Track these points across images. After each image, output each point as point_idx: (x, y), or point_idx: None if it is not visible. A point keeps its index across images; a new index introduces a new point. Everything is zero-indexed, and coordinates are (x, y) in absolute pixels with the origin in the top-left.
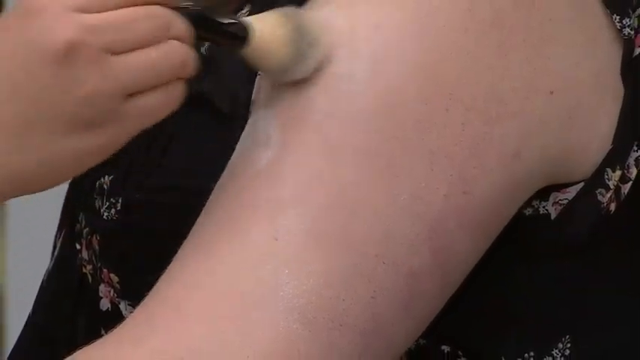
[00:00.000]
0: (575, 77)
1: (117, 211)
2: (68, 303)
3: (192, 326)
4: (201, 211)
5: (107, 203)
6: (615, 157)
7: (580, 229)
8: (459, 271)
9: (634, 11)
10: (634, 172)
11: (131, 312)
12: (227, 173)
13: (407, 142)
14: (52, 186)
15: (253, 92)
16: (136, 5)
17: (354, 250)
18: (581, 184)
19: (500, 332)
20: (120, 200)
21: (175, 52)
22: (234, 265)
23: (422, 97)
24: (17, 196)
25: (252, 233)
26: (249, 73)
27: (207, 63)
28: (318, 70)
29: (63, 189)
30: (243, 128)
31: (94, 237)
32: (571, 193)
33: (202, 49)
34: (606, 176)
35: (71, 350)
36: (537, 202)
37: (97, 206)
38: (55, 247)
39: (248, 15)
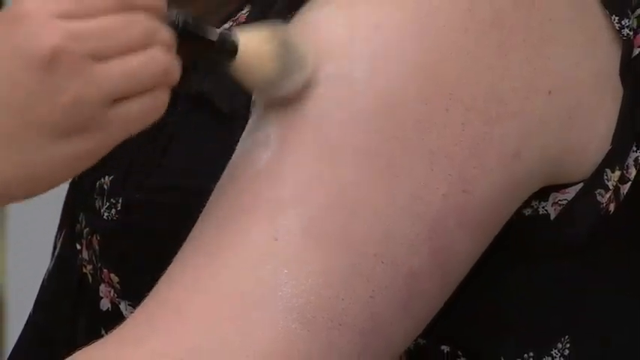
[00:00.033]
0: (575, 77)
1: (117, 211)
2: (68, 303)
3: (192, 327)
4: (201, 211)
5: (107, 203)
6: (614, 157)
7: (579, 229)
8: (459, 270)
9: (633, 12)
10: (633, 172)
11: (131, 312)
12: (227, 173)
13: (407, 142)
14: (39, 193)
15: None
16: (121, 13)
17: (353, 250)
18: (581, 185)
19: (500, 332)
20: (120, 200)
21: (158, 60)
22: (234, 265)
23: (422, 97)
24: (4, 204)
25: (252, 233)
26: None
27: (207, 64)
28: (306, 87)
29: (63, 189)
30: (243, 128)
31: (95, 237)
32: (570, 193)
33: None
34: (605, 177)
35: (71, 350)
36: (537, 203)
37: (98, 206)
38: (55, 247)
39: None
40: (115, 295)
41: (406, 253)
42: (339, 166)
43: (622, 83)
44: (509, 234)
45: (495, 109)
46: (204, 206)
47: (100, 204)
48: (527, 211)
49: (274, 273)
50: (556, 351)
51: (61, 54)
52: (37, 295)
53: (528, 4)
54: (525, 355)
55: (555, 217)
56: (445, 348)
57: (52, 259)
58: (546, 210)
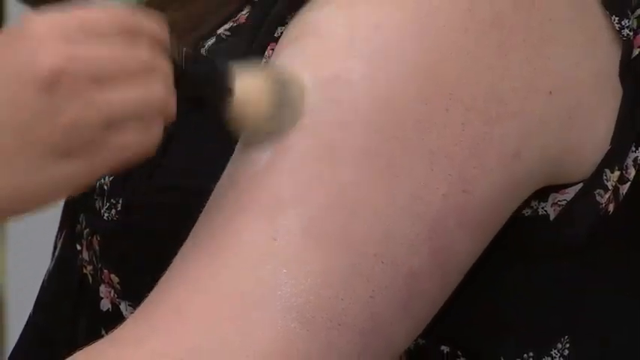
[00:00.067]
0: (575, 77)
1: (117, 212)
2: (69, 304)
3: (192, 327)
4: (201, 211)
5: (107, 204)
6: (614, 157)
7: (579, 229)
8: (459, 270)
9: (633, 12)
10: (632, 172)
11: (132, 312)
12: (227, 173)
13: (407, 142)
14: (32, 212)
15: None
16: (125, 41)
17: (353, 250)
18: (580, 185)
19: (499, 333)
20: (120, 201)
21: (157, 92)
22: (233, 265)
23: (422, 97)
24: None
25: (252, 233)
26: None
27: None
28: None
29: None
30: None
31: (95, 238)
32: (570, 193)
33: (203, 51)
34: (605, 177)
35: (71, 351)
36: (536, 203)
37: (98, 207)
38: (55, 248)
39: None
40: (116, 296)
41: (406, 253)
42: (339, 166)
43: (621, 84)
44: (508, 234)
45: (495, 109)
46: (204, 206)
47: (100, 204)
48: (527, 212)
49: (274, 273)
50: (555, 351)
51: (62, 75)
52: (37, 296)
53: (528, 5)
54: (525, 356)
55: (555, 218)
56: (445, 348)
57: (52, 260)
58: (546, 210)
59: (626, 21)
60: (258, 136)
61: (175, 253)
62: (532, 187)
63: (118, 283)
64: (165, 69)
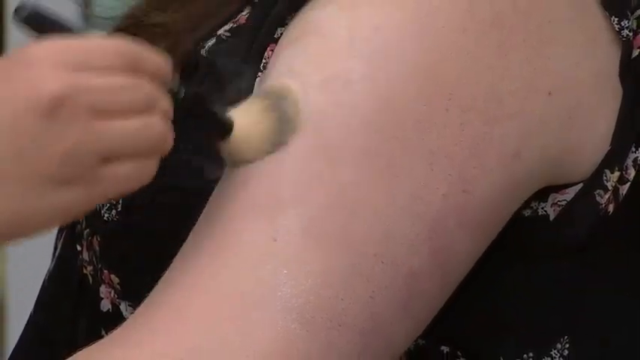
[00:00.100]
0: (575, 77)
1: (117, 212)
2: (69, 304)
3: (192, 327)
4: (201, 211)
5: (107, 204)
6: (613, 158)
7: (578, 230)
8: (459, 271)
9: (632, 13)
10: (632, 173)
11: (132, 313)
12: (227, 174)
13: (407, 143)
14: (27, 237)
15: (253, 94)
16: (127, 74)
17: (353, 250)
18: (580, 185)
19: (499, 333)
20: (120, 201)
21: (156, 127)
22: (234, 265)
23: (422, 98)
24: None
25: (252, 234)
26: (249, 74)
27: (207, 66)
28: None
29: None
30: None
31: (95, 238)
32: (569, 194)
33: (203, 52)
34: (605, 177)
35: (72, 351)
36: (536, 204)
37: (98, 207)
38: (55, 248)
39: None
40: (116, 296)
41: (406, 253)
42: (339, 166)
43: (621, 84)
44: (508, 235)
45: (495, 109)
46: (204, 206)
47: (101, 205)
48: (527, 212)
49: (274, 273)
50: (555, 351)
51: (63, 102)
52: (38, 296)
53: (528, 5)
54: (525, 356)
55: (554, 218)
56: (445, 348)
57: (52, 260)
58: (545, 211)
59: (626, 21)
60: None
61: (175, 254)
62: (532, 187)
63: (118, 283)
64: (164, 105)
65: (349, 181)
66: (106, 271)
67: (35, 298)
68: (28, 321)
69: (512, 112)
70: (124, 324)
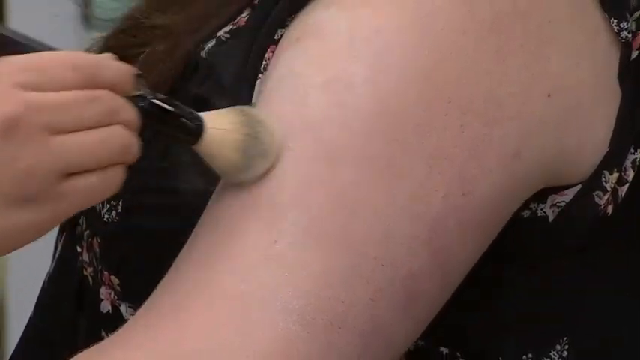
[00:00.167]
0: (576, 77)
1: (117, 214)
2: (69, 305)
3: (192, 328)
4: (201, 212)
5: (108, 206)
6: (612, 159)
7: (577, 231)
8: (459, 271)
9: (631, 15)
10: (631, 174)
11: (132, 314)
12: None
13: (407, 146)
14: None
15: (253, 95)
16: (85, 89)
17: (353, 251)
18: (579, 187)
19: (499, 334)
20: (120, 203)
21: (117, 138)
22: (234, 267)
23: (422, 102)
24: None
25: (252, 235)
26: (250, 76)
27: (207, 67)
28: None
29: None
30: None
31: (95, 239)
32: (568, 195)
33: (203, 53)
34: (603, 179)
35: (72, 352)
36: (535, 205)
37: (98, 209)
38: (55, 250)
39: (246, 20)
40: (116, 297)
41: (406, 254)
42: (339, 167)
43: (620, 85)
44: (507, 236)
45: (494, 110)
46: (204, 208)
47: (101, 206)
48: (526, 214)
49: (274, 275)
50: (555, 352)
51: (19, 122)
52: (38, 297)
53: (528, 5)
54: (524, 357)
55: (553, 219)
56: (444, 349)
57: (52, 262)
58: (544, 212)
59: (625, 23)
60: (227, 177)
61: (175, 255)
62: (532, 187)
63: (118, 284)
64: (127, 115)
65: (349, 181)
66: (106, 273)
67: (35, 300)
68: (28, 322)
69: (511, 114)
70: (125, 325)
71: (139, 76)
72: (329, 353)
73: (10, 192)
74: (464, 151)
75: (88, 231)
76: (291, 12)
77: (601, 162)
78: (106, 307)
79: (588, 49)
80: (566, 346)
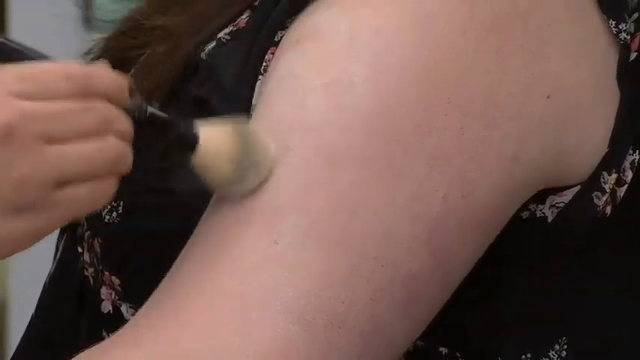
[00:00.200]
0: (576, 77)
1: (118, 214)
2: (70, 306)
3: (193, 328)
4: (202, 213)
5: (108, 206)
6: (611, 160)
7: (576, 232)
8: (459, 272)
9: (630, 16)
10: (629, 175)
11: (133, 314)
12: None
13: (407, 146)
14: None
15: (253, 97)
16: (79, 99)
17: (353, 251)
18: (578, 188)
19: (498, 334)
20: (121, 203)
21: (111, 148)
22: (235, 268)
23: (422, 102)
24: None
25: (253, 236)
26: (250, 78)
27: (207, 69)
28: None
29: None
30: None
31: (96, 240)
32: (567, 196)
33: (203, 55)
34: (602, 179)
35: (73, 353)
36: (534, 206)
37: (99, 209)
38: (56, 251)
39: (246, 22)
40: (117, 298)
41: (406, 254)
42: (339, 170)
43: (619, 87)
44: (507, 237)
45: (494, 111)
46: (205, 208)
47: (102, 207)
48: (525, 214)
49: (275, 275)
50: (554, 352)
51: (14, 131)
52: (39, 298)
53: (528, 6)
54: (523, 357)
55: (552, 220)
56: (444, 350)
57: (53, 262)
58: (543, 213)
59: (623, 25)
60: (221, 190)
61: (176, 256)
62: (531, 188)
63: (119, 285)
64: (121, 125)
65: (349, 181)
66: (106, 273)
67: (36, 300)
68: (29, 323)
69: (511, 114)
70: (126, 326)
71: (133, 86)
72: (329, 353)
73: (6, 200)
74: (464, 153)
75: (88, 232)
76: (291, 14)
77: (600, 163)
78: (106, 307)
79: (588, 50)
80: (565, 346)
